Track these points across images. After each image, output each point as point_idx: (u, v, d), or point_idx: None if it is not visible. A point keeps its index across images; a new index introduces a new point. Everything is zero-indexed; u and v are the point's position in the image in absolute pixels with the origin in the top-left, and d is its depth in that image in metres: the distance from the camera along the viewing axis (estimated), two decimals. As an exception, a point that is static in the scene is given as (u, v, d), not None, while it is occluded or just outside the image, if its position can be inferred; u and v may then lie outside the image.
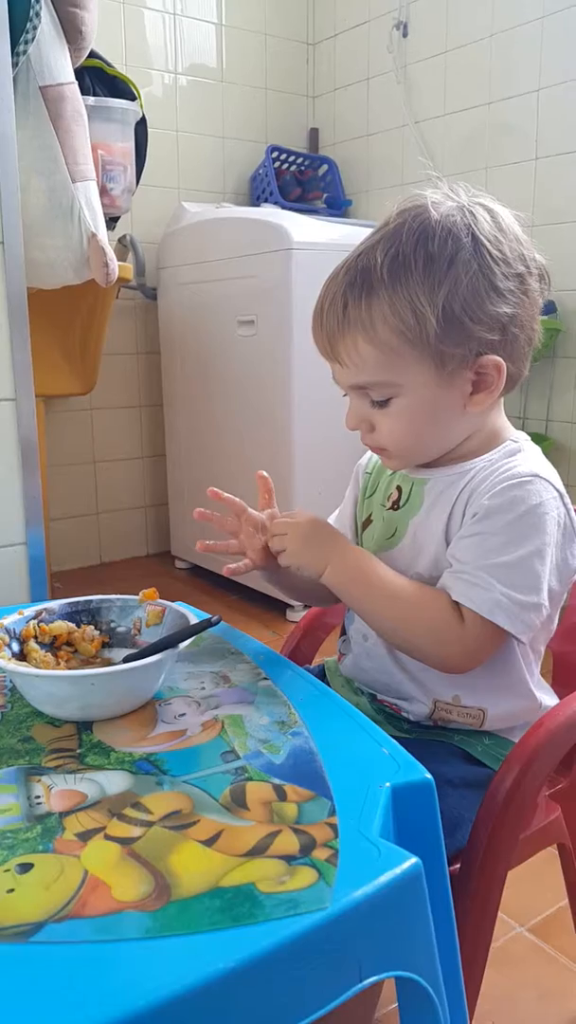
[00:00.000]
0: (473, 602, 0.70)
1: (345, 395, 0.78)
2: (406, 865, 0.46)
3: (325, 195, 2.73)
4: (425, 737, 0.79)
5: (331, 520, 0.91)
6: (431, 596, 0.73)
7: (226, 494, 0.83)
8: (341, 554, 0.75)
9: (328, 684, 0.88)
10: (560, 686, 0.89)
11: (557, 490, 0.73)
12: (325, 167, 2.74)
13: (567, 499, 0.74)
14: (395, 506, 0.81)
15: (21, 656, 0.70)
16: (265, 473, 0.86)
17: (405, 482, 0.81)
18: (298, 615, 2.13)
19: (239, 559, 0.85)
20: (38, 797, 0.54)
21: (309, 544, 0.76)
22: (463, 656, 0.72)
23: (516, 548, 0.70)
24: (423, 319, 0.68)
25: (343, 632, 0.89)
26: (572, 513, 0.74)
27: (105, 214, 1.73)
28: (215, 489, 0.82)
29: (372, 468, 0.88)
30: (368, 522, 0.85)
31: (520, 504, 0.70)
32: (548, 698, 0.80)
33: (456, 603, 0.71)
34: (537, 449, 0.78)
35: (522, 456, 0.75)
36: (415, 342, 0.69)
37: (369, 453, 0.90)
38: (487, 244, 0.69)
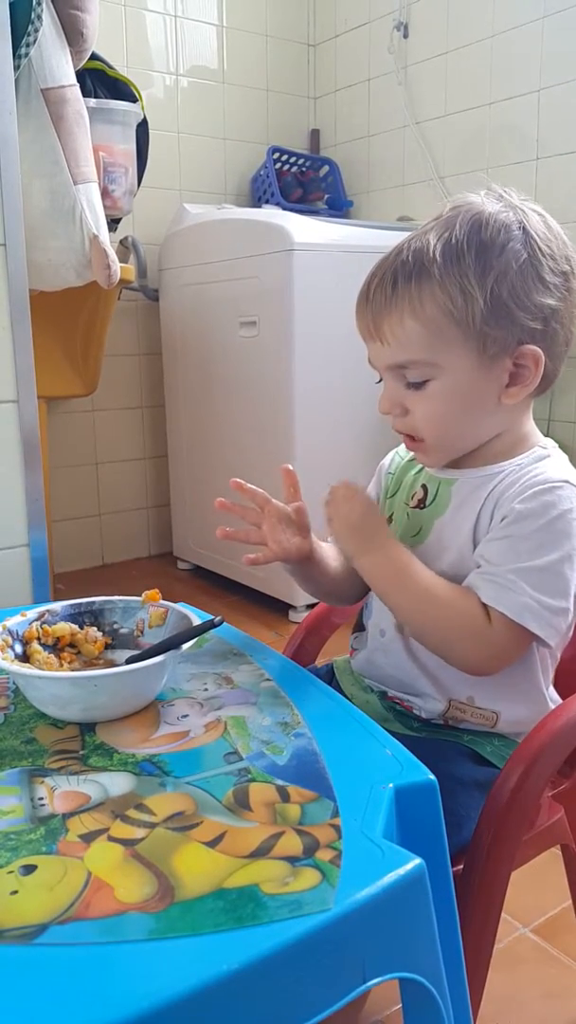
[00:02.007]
0: (503, 605, 0.70)
1: (379, 381, 0.79)
2: (409, 866, 0.46)
3: (326, 196, 2.73)
4: (435, 736, 0.79)
5: None
6: (462, 597, 0.73)
7: (248, 484, 0.83)
8: (381, 545, 0.76)
9: (337, 683, 0.88)
10: (559, 688, 0.89)
11: None
12: (326, 168, 2.74)
13: None
14: (420, 505, 0.81)
15: (24, 658, 0.70)
16: (291, 467, 0.86)
17: (431, 482, 0.82)
18: (300, 615, 2.13)
19: (256, 550, 0.84)
20: (41, 799, 0.54)
21: (352, 533, 0.77)
22: (489, 658, 0.73)
23: (547, 553, 0.70)
24: (471, 299, 0.70)
25: (358, 628, 0.89)
26: None
27: (107, 216, 1.73)
28: (238, 480, 0.83)
29: (395, 469, 0.89)
30: (389, 520, 0.86)
31: (551, 509, 0.71)
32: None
33: (485, 605, 0.71)
34: (565, 456, 0.79)
35: (551, 462, 0.76)
36: (461, 322, 0.71)
37: (392, 454, 0.91)
38: (536, 238, 0.72)
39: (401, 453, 0.89)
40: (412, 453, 0.84)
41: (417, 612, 0.74)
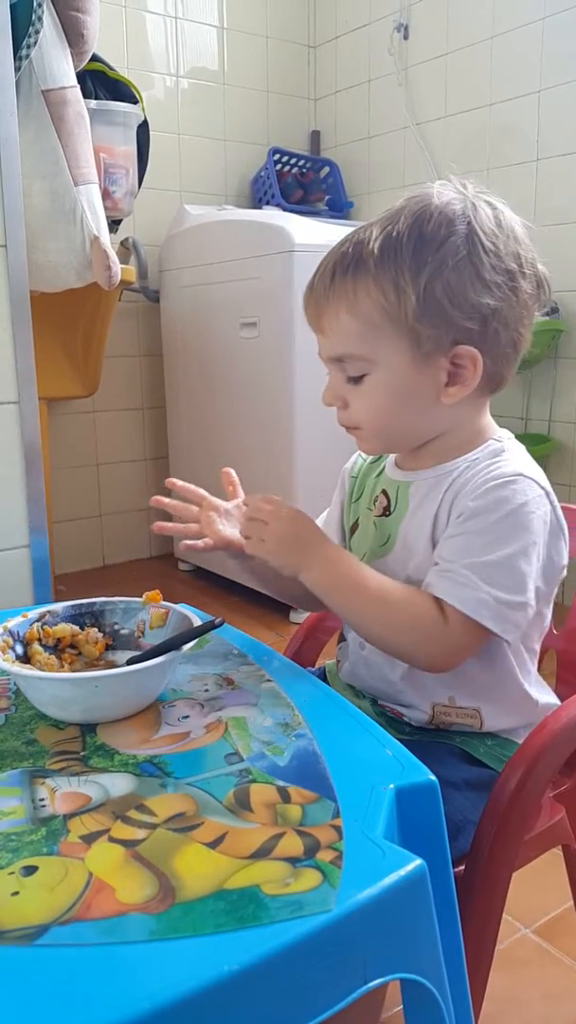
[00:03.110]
0: (458, 600, 0.69)
1: (327, 373, 0.79)
2: (410, 867, 0.46)
3: (327, 197, 2.73)
4: (427, 739, 0.78)
5: (318, 522, 0.90)
6: (414, 595, 0.72)
7: (181, 483, 0.86)
8: (323, 556, 0.73)
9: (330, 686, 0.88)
10: (564, 685, 0.89)
11: (543, 488, 0.73)
12: (327, 169, 2.75)
13: (553, 497, 0.74)
14: (386, 512, 0.81)
15: (25, 659, 0.70)
16: (229, 469, 0.89)
17: (391, 486, 0.81)
18: (301, 617, 2.13)
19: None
20: (42, 800, 0.54)
21: (290, 543, 0.74)
22: (446, 655, 0.72)
23: (501, 548, 0.70)
24: (403, 295, 0.69)
25: (341, 638, 0.89)
26: (558, 510, 0.74)
27: (107, 217, 1.73)
28: (172, 479, 0.86)
29: (358, 472, 0.88)
30: (355, 527, 0.85)
31: (505, 504, 0.70)
32: (546, 696, 0.80)
33: (440, 602, 0.71)
34: (521, 447, 0.78)
35: (506, 455, 0.75)
36: (393, 318, 0.70)
37: (354, 457, 0.90)
38: (481, 234, 0.70)
39: (363, 455, 0.89)
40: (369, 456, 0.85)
41: (371, 618, 0.73)
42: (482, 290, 0.70)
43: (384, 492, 0.82)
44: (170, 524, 0.87)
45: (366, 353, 0.72)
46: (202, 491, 0.86)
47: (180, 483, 0.86)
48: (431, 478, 0.77)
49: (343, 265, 0.72)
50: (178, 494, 0.88)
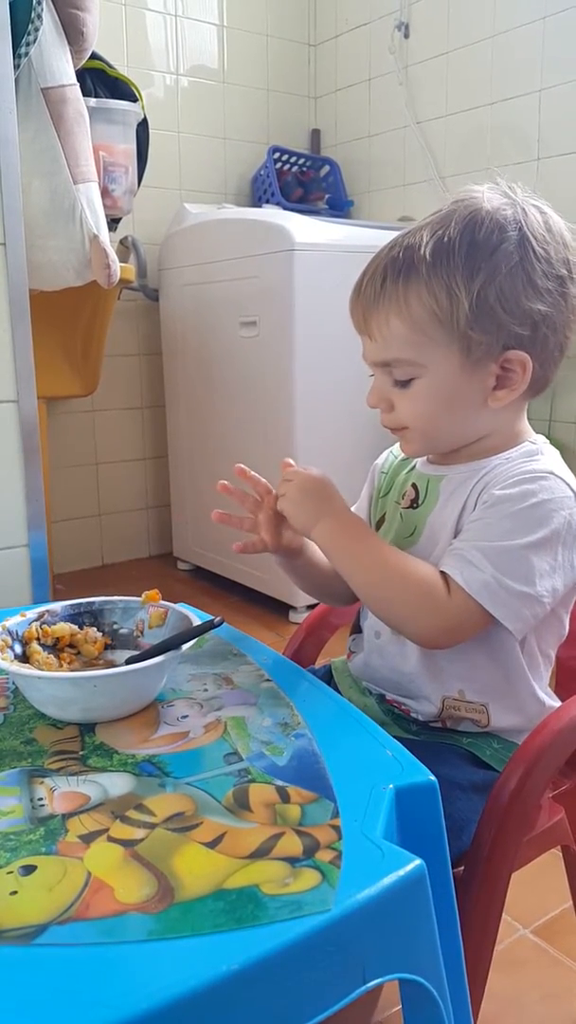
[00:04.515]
0: (462, 577, 0.69)
1: (372, 375, 0.79)
2: (410, 867, 0.46)
3: (327, 196, 2.73)
4: (433, 739, 0.78)
5: None
6: (421, 565, 0.72)
7: (252, 472, 0.83)
8: (334, 513, 0.76)
9: (335, 685, 0.88)
10: (563, 691, 0.89)
11: (573, 490, 0.73)
12: (327, 168, 2.74)
13: None
14: (413, 504, 0.81)
15: (24, 658, 0.70)
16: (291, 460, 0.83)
17: (421, 480, 0.81)
18: (300, 616, 2.13)
19: (248, 538, 0.84)
20: (41, 799, 0.54)
21: (306, 497, 0.77)
22: (442, 630, 0.71)
23: (516, 537, 0.70)
24: (456, 302, 0.69)
25: (355, 630, 0.88)
26: None
27: (107, 215, 1.73)
28: (242, 466, 0.83)
29: (388, 468, 0.88)
30: (382, 521, 0.85)
31: (530, 496, 0.70)
32: (554, 704, 0.80)
33: (445, 577, 0.71)
34: (556, 451, 0.79)
35: (540, 457, 0.75)
36: (445, 324, 0.70)
37: (385, 454, 0.91)
38: (532, 241, 0.70)
39: (395, 452, 0.89)
40: (404, 453, 0.84)
41: (373, 580, 0.73)
42: (534, 296, 0.70)
43: (414, 485, 0.82)
44: (228, 515, 0.83)
45: (415, 358, 0.72)
46: (268, 484, 0.83)
47: (250, 473, 0.83)
48: (464, 472, 0.77)
49: (394, 270, 0.71)
50: (244, 484, 0.84)
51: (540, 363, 0.73)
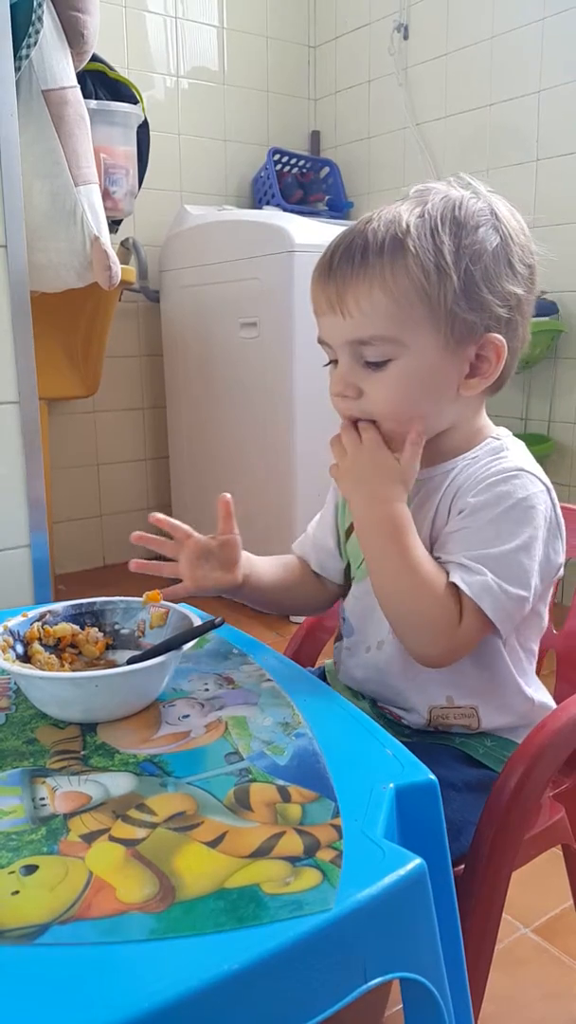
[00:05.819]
0: (465, 583, 0.69)
1: (327, 364, 0.76)
2: (410, 866, 0.46)
3: (327, 197, 2.73)
4: (426, 741, 0.78)
5: (311, 525, 0.90)
6: (444, 585, 0.70)
7: (170, 520, 0.79)
8: (385, 500, 0.71)
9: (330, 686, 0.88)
10: (565, 684, 0.89)
11: (544, 484, 0.73)
12: (327, 169, 2.75)
13: (553, 493, 0.74)
14: None
15: (25, 658, 0.70)
16: (228, 496, 0.79)
17: None
18: (301, 617, 2.13)
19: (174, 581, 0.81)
20: (43, 799, 0.54)
21: (361, 482, 0.73)
22: (446, 651, 0.71)
23: (504, 542, 0.69)
24: (445, 278, 0.68)
25: (338, 637, 0.88)
26: (558, 508, 0.74)
27: (107, 217, 1.73)
28: (157, 515, 0.79)
29: None
30: (351, 529, 0.84)
31: (507, 499, 0.70)
32: (543, 698, 0.80)
33: (458, 600, 0.70)
34: (521, 444, 0.78)
35: (506, 452, 0.75)
36: (432, 299, 0.69)
37: None
38: (507, 226, 0.71)
39: None
40: None
41: (396, 579, 0.71)
42: (513, 279, 0.71)
43: None
44: (146, 562, 0.80)
45: (397, 335, 0.70)
46: (187, 529, 0.79)
47: (166, 520, 0.79)
48: (432, 477, 0.76)
49: (376, 243, 0.69)
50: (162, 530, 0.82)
51: (510, 351, 0.73)
